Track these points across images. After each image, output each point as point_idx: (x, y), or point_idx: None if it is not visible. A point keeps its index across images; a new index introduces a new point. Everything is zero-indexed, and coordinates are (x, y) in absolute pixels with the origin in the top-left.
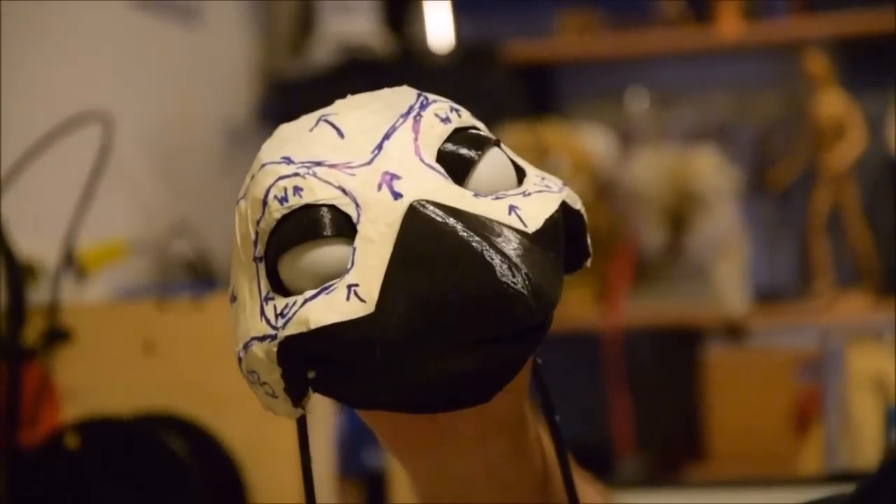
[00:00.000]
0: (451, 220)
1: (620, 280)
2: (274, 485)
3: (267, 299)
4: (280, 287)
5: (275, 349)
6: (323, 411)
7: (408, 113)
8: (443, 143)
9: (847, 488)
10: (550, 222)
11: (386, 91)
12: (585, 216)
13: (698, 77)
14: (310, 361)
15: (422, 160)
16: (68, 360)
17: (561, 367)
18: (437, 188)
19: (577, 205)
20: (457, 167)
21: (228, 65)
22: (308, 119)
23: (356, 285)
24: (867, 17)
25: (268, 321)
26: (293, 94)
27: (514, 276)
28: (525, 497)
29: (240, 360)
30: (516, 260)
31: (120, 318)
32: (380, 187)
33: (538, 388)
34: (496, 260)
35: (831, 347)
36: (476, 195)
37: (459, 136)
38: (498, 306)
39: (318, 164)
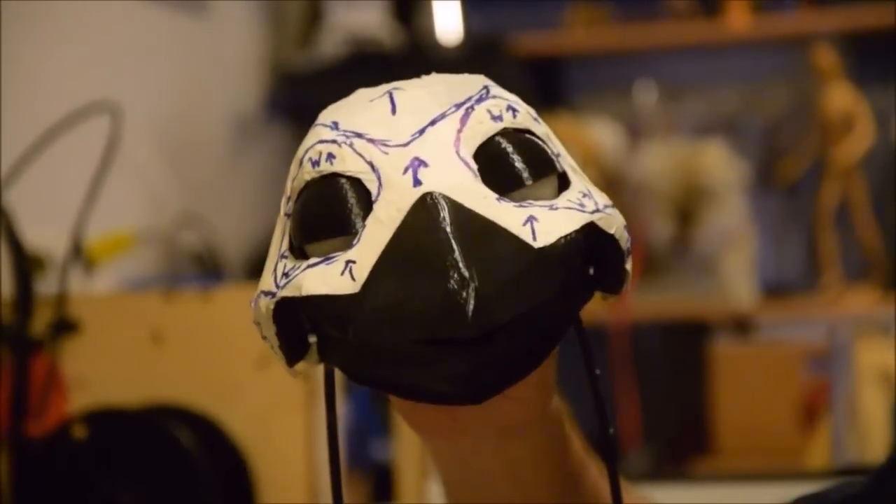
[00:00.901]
0: (449, 219)
1: None
2: (281, 476)
3: (282, 257)
4: (298, 247)
5: (272, 307)
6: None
7: (463, 103)
8: (487, 140)
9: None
10: (564, 241)
11: (457, 76)
12: (624, 241)
13: (707, 70)
14: (311, 326)
15: (457, 153)
16: (76, 351)
17: (567, 360)
18: (461, 183)
19: (612, 229)
20: (494, 167)
21: (237, 56)
22: (377, 88)
23: (353, 262)
24: (875, 12)
25: (275, 278)
26: (301, 86)
27: (461, 287)
28: (546, 499)
29: (252, 308)
30: (469, 272)
31: (128, 310)
32: (406, 171)
33: (595, 401)
34: (454, 269)
35: (839, 341)
36: (500, 199)
37: (508, 136)
38: (439, 314)
39: (359, 135)
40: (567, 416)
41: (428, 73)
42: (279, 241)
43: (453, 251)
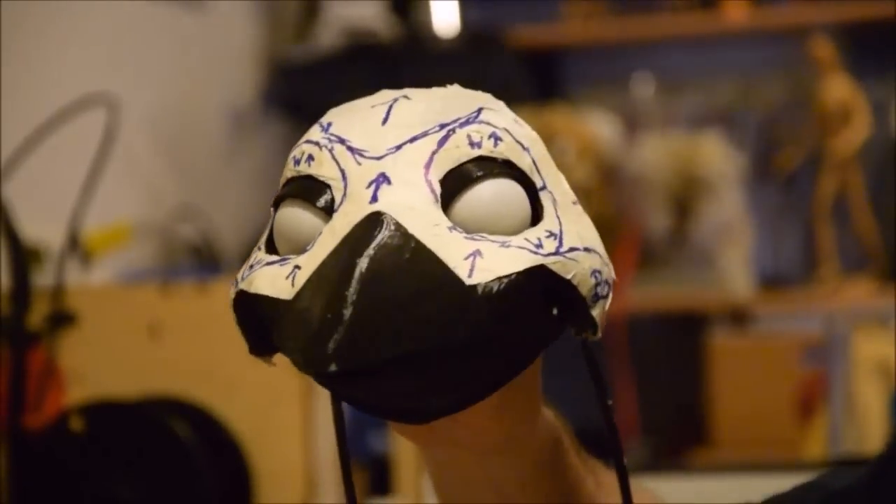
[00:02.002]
0: (380, 243)
1: (625, 265)
2: (278, 468)
3: (258, 248)
4: (269, 239)
5: (233, 296)
6: (328, 394)
7: (448, 124)
8: (458, 166)
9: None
10: (500, 281)
11: (468, 92)
12: (587, 288)
13: (704, 63)
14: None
15: (425, 175)
16: (73, 344)
17: (565, 353)
18: (417, 207)
19: (570, 274)
20: (458, 193)
21: (233, 49)
22: (389, 94)
23: (298, 268)
24: (872, 3)
25: (244, 268)
26: (298, 78)
27: (334, 322)
28: None
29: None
30: (352, 308)
31: (125, 302)
32: (369, 185)
33: (607, 428)
34: (339, 301)
35: (836, 333)
36: (453, 228)
37: (480, 164)
38: (307, 346)
39: (342, 141)
40: (561, 435)
41: (425, 65)
42: (265, 231)
43: (349, 284)
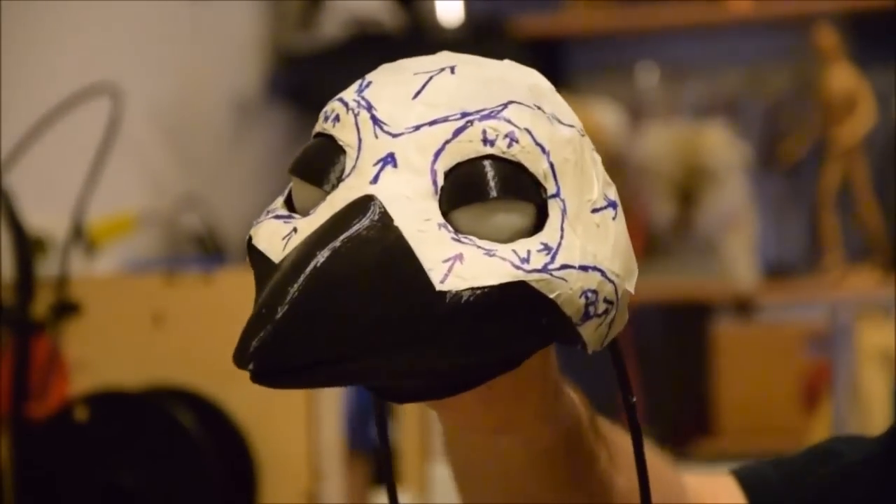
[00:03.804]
0: (345, 236)
1: None
2: (282, 457)
3: (282, 194)
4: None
5: (247, 239)
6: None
7: (470, 114)
8: (466, 161)
9: None
10: (472, 292)
11: (509, 74)
12: (575, 309)
13: (708, 51)
14: None
15: (432, 164)
16: (77, 333)
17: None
18: (412, 197)
19: (554, 294)
20: (460, 188)
21: (237, 38)
22: (437, 61)
23: (296, 231)
24: None
25: (264, 212)
26: (302, 67)
27: (263, 320)
28: (543, 498)
29: None
30: (286, 308)
31: (129, 292)
32: (376, 163)
33: (630, 428)
34: (278, 296)
35: (840, 322)
36: (443, 225)
37: (489, 163)
38: (240, 338)
39: (370, 107)
40: (581, 418)
41: (429, 54)
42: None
43: (296, 279)
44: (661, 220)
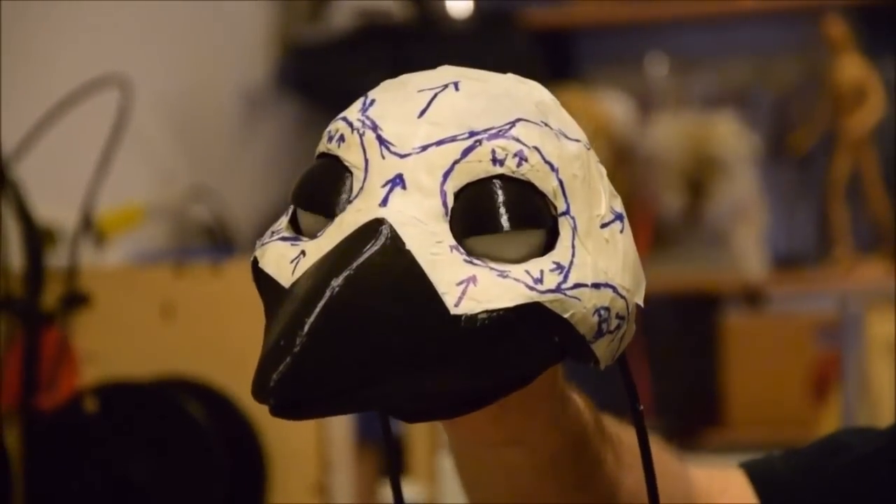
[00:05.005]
0: (359, 262)
1: (639, 246)
2: (291, 448)
3: (286, 213)
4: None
5: (251, 260)
6: None
7: (478, 133)
8: (476, 181)
9: None
10: (488, 315)
11: (514, 89)
12: (588, 327)
13: (718, 42)
14: None
15: (442, 185)
16: (87, 325)
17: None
18: (423, 219)
19: (568, 314)
20: (470, 209)
21: (247, 30)
22: (441, 76)
23: (304, 255)
24: None
25: (268, 231)
26: (311, 59)
27: (282, 353)
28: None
29: None
30: (307, 338)
31: (138, 283)
32: (385, 185)
33: (638, 436)
34: (297, 327)
35: (850, 313)
36: (455, 247)
37: (499, 183)
38: (258, 369)
39: (375, 127)
40: (587, 425)
41: (438, 46)
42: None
43: (313, 308)
44: (670, 211)
